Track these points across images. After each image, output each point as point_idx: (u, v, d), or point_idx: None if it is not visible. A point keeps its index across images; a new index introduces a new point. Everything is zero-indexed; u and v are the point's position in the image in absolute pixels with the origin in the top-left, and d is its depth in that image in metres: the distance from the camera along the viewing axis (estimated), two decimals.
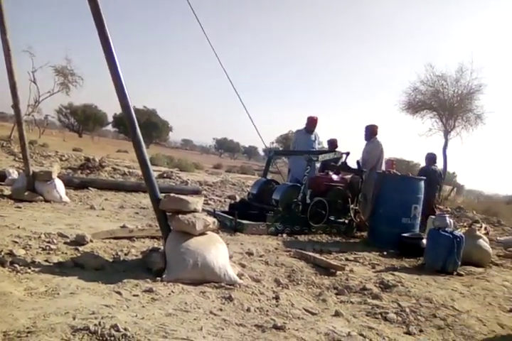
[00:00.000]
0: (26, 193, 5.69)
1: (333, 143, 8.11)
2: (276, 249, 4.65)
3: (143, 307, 2.52)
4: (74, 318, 2.20)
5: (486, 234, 6.97)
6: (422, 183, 6.03)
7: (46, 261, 3.18)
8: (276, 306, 2.89)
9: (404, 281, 3.83)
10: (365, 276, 3.92)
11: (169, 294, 2.79)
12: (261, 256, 4.19)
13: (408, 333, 2.74)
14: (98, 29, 3.25)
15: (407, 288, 3.63)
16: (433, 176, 7.38)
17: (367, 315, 2.95)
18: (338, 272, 3.91)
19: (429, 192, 6.50)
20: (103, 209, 5.86)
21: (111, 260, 3.41)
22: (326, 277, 3.77)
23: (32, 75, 19.45)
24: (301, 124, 7.83)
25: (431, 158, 7.96)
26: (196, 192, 8.68)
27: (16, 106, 5.73)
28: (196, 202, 3.43)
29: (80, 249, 3.56)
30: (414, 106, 16.97)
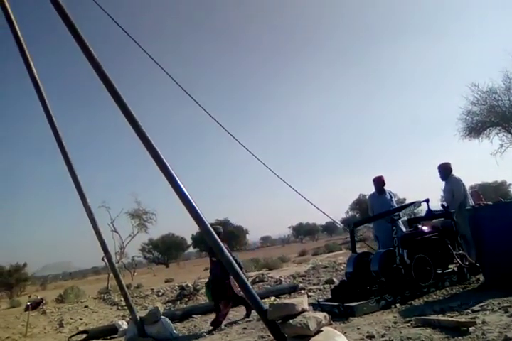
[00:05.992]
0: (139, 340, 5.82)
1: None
2: (395, 322, 4.39)
3: None
4: None
5: None
6: None
7: None
8: None
9: None
10: (502, 324, 3.59)
11: None
12: (383, 336, 3.98)
13: None
14: (160, 168, 3.80)
15: None
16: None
17: None
18: (471, 328, 3.61)
19: None
20: (213, 333, 5.82)
21: None
22: (460, 338, 3.49)
23: (112, 226, 21.58)
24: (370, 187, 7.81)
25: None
26: (294, 288, 8.54)
27: (109, 260, 6.45)
28: (301, 302, 3.44)
29: None
30: (476, 129, 16.46)
